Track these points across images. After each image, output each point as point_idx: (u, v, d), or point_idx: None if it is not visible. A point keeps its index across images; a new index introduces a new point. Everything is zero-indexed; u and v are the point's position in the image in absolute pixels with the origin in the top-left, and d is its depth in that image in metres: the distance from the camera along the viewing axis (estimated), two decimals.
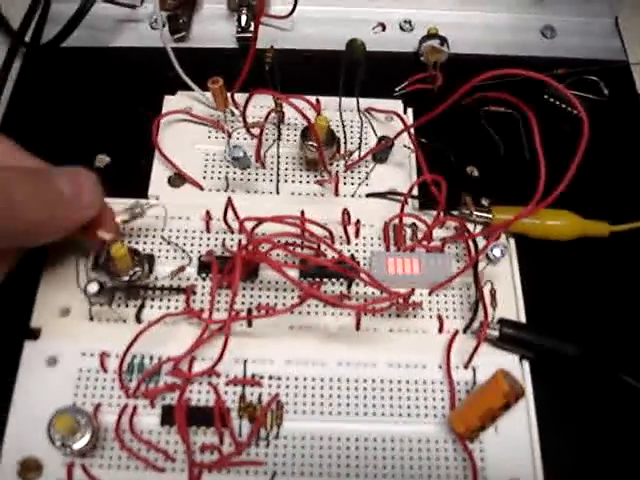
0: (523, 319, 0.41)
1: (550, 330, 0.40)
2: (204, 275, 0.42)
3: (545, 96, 0.50)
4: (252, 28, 0.51)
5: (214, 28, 0.53)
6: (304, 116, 0.40)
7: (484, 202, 0.45)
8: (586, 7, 0.55)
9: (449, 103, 0.40)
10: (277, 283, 0.42)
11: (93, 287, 0.37)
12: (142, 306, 0.40)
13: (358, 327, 0.40)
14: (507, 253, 0.41)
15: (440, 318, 0.41)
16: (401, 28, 0.54)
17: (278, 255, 0.41)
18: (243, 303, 0.41)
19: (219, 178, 0.45)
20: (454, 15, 0.54)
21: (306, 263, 0.40)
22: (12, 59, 0.49)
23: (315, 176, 0.46)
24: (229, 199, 0.40)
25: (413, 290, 0.40)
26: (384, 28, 0.53)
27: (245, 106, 0.44)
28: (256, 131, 0.46)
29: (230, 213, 0.41)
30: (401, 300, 0.39)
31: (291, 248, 0.40)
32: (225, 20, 0.54)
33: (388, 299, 0.38)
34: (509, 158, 0.48)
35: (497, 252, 0.39)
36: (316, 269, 0.41)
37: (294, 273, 0.41)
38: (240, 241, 0.42)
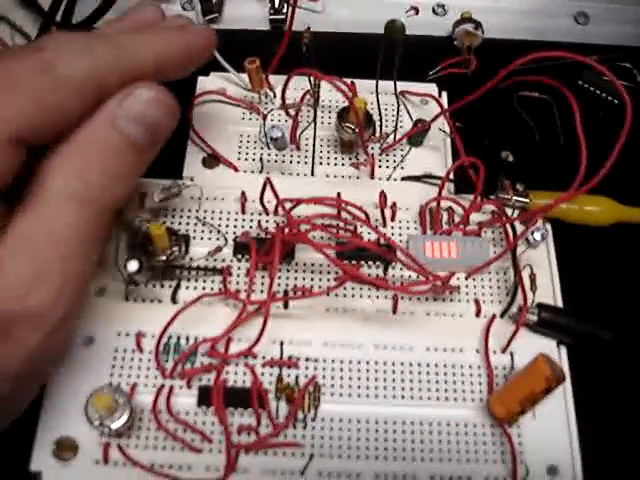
0: (560, 304, 0.41)
1: (587, 315, 0.40)
2: (240, 256, 0.41)
3: (580, 82, 0.50)
4: (285, 10, 0.51)
5: (246, 9, 0.53)
6: (346, 96, 0.40)
7: (519, 187, 0.44)
8: None
9: (489, 87, 0.40)
10: (313, 265, 0.41)
11: (133, 265, 0.37)
12: (178, 286, 0.40)
13: (395, 310, 0.40)
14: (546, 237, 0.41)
15: (477, 302, 0.41)
16: (434, 12, 0.54)
17: (314, 237, 0.41)
18: (279, 285, 0.41)
19: (253, 160, 0.45)
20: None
21: (344, 244, 0.40)
22: None
23: (350, 159, 0.45)
24: (268, 179, 0.39)
25: (453, 273, 0.40)
26: (417, 12, 0.53)
27: (285, 86, 0.44)
28: (292, 112, 0.45)
29: (265, 194, 0.41)
30: (440, 283, 0.39)
31: (331, 230, 0.40)
32: (257, 1, 0.53)
33: (428, 282, 0.37)
34: (543, 143, 0.48)
35: (537, 236, 0.39)
36: (354, 251, 0.41)
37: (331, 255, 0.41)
38: (277, 223, 0.42)
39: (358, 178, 0.45)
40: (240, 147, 0.45)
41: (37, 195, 0.29)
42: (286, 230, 0.38)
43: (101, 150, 0.30)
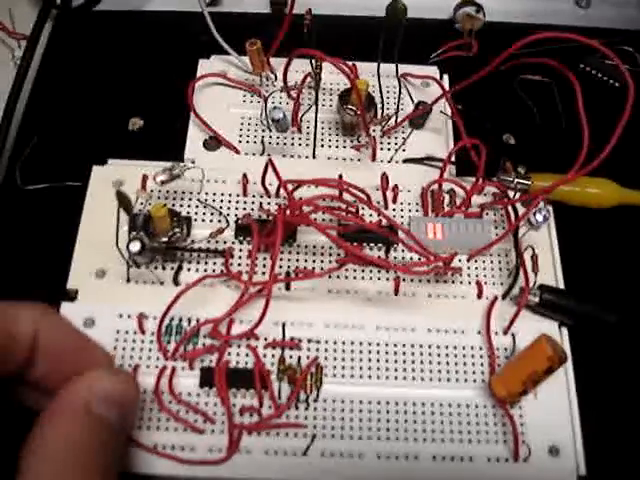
0: (561, 285, 0.41)
1: (589, 297, 0.40)
2: (241, 238, 0.41)
3: (581, 65, 0.50)
4: None
5: None
6: (348, 77, 0.40)
7: (520, 169, 0.44)
8: None
9: (490, 68, 0.40)
10: (315, 247, 0.41)
11: (135, 246, 0.37)
12: (180, 268, 0.40)
13: (397, 292, 0.40)
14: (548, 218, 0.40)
15: (479, 284, 0.41)
16: None
17: (316, 219, 0.41)
18: (281, 267, 0.41)
19: (255, 142, 0.45)
20: None
21: (346, 226, 0.40)
22: (43, 22, 0.49)
23: (351, 141, 0.45)
24: (270, 160, 0.39)
25: (454, 255, 0.40)
26: None
27: (286, 68, 0.44)
28: (294, 94, 0.45)
29: (266, 177, 0.41)
30: (441, 264, 0.39)
31: (333, 211, 0.40)
32: None
33: (430, 262, 0.37)
34: (544, 126, 0.48)
35: (539, 217, 0.39)
36: (355, 233, 0.41)
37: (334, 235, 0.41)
38: (279, 205, 0.42)
39: (359, 160, 0.45)
40: (241, 129, 0.45)
41: None
42: (288, 212, 0.38)
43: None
